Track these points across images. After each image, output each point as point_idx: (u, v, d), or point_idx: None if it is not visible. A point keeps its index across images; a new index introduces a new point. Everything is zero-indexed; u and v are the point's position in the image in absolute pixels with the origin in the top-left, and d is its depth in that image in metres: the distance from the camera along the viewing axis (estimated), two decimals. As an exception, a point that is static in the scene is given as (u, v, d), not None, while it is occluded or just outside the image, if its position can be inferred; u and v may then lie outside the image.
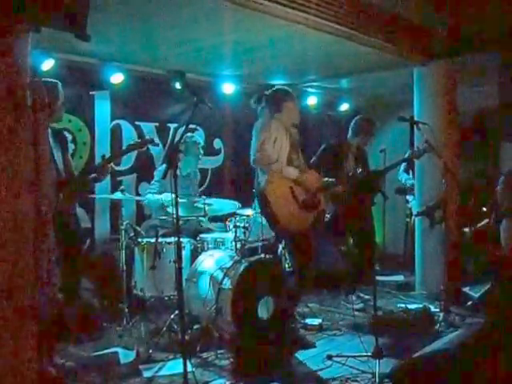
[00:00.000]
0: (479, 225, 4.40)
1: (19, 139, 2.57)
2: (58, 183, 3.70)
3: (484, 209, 4.58)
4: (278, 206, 4.04)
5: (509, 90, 6.26)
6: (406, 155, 5.79)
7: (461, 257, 5.46)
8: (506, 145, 6.79)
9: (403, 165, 6.79)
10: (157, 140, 5.17)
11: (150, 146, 5.23)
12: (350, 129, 5.47)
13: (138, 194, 5.73)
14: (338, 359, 3.82)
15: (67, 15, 2.65)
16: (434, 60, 5.67)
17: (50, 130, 3.71)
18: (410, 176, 6.73)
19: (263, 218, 4.25)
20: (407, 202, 6.99)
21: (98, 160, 5.38)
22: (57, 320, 3.42)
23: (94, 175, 4.06)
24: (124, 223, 4.50)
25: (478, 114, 6.98)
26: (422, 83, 5.89)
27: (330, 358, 3.85)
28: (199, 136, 5.99)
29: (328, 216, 5.02)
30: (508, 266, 3.86)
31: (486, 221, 4.15)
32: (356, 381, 3.50)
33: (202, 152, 5.46)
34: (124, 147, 4.44)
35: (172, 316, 4.21)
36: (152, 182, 5.34)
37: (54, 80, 3.79)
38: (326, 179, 4.47)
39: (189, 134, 5.45)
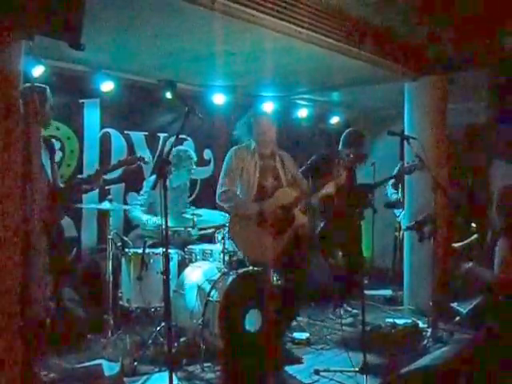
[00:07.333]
0: (468, 240, 4.38)
1: (11, 147, 2.54)
2: (46, 191, 3.66)
3: (473, 224, 4.57)
4: (247, 247, 4.17)
5: (498, 107, 6.32)
6: (395, 171, 5.83)
7: (451, 272, 5.45)
8: (495, 161, 6.83)
9: (392, 180, 6.82)
10: (147, 158, 5.08)
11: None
12: (341, 140, 5.60)
13: (125, 204, 5.67)
14: (326, 374, 3.80)
15: (62, 24, 2.64)
16: (424, 76, 5.73)
17: None
18: (395, 191, 6.75)
19: None
20: (395, 215, 7.00)
21: (86, 169, 5.33)
22: (46, 328, 3.38)
23: (84, 187, 4.05)
24: (111, 233, 4.46)
25: (467, 130, 7.03)
26: (412, 98, 5.94)
27: (317, 372, 3.83)
28: (189, 146, 5.97)
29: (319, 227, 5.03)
30: (501, 287, 3.87)
31: (475, 236, 4.14)
32: (343, 396, 3.49)
33: (194, 166, 5.43)
34: (114, 162, 4.42)
35: (158, 328, 4.17)
36: (141, 192, 5.30)
37: (42, 85, 3.76)
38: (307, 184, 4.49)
39: (183, 148, 5.44)
